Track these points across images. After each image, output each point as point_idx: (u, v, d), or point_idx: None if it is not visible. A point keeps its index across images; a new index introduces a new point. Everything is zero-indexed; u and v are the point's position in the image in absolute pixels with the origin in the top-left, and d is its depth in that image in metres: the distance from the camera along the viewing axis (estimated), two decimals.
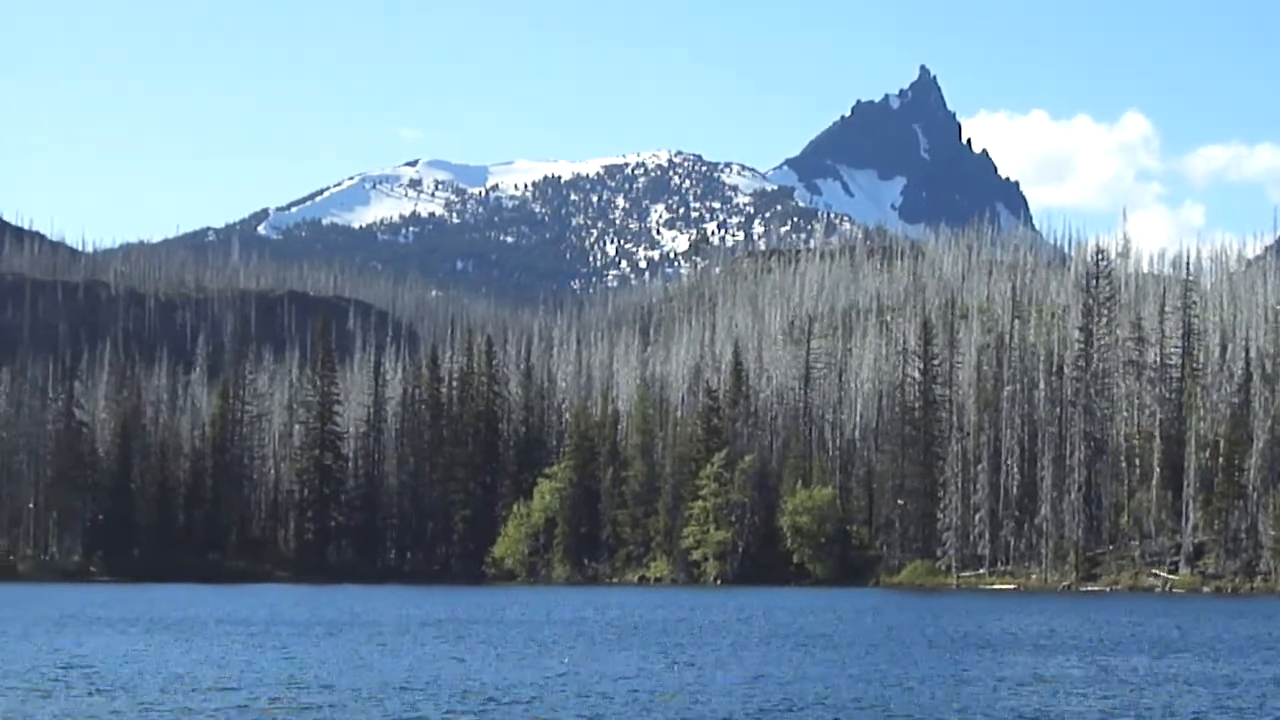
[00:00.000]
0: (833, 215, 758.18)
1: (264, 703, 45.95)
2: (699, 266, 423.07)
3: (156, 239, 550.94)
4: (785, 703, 46.33)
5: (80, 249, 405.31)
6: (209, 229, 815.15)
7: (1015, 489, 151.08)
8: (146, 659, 61.37)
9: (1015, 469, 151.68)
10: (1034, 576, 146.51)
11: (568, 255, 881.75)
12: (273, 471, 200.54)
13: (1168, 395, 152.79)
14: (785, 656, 63.17)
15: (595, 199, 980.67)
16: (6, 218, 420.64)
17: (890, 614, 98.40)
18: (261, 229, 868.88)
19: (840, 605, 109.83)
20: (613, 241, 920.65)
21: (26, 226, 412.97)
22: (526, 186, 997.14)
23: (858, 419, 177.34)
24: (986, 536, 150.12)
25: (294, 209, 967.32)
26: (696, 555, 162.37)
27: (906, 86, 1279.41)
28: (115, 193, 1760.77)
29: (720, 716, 43.44)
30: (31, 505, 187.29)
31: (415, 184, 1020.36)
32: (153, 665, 58.62)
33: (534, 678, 53.70)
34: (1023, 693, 50.12)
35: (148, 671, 55.86)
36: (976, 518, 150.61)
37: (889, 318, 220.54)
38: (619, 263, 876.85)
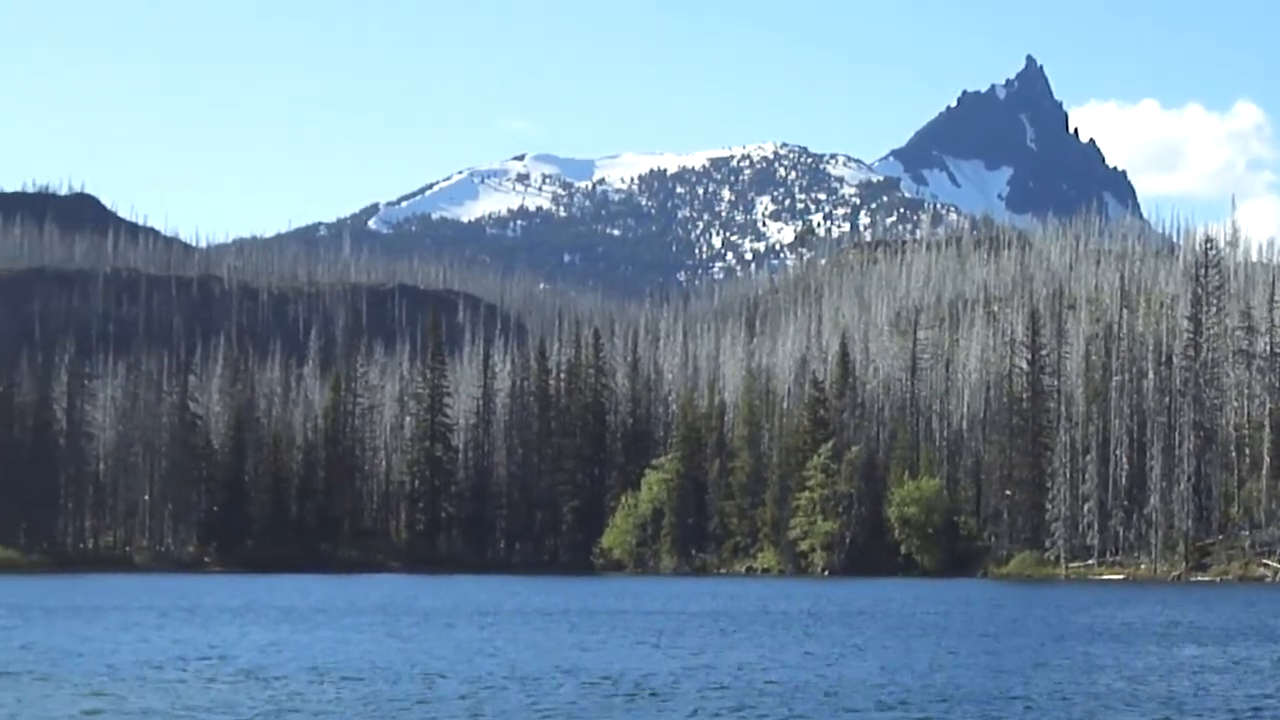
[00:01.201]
0: (939, 206, 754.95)
1: (490, 689, 46.76)
2: (805, 258, 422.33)
3: (269, 234, 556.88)
4: (940, 692, 46.75)
5: (194, 244, 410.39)
6: (320, 224, 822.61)
7: (1124, 479, 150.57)
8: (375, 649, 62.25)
9: (1124, 459, 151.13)
10: (1143, 567, 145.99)
11: (674, 248, 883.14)
12: (384, 463, 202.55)
13: (1277, 384, 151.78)
14: (927, 647, 63.60)
15: (701, 191, 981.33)
16: (122, 214, 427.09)
17: (1022, 606, 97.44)
18: (372, 223, 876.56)
19: (957, 596, 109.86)
20: (718, 233, 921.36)
21: (141, 223, 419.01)
22: (633, 180, 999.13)
23: (965, 409, 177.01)
24: (1095, 527, 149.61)
25: (403, 203, 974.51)
26: (804, 546, 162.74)
27: (1013, 76, 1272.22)
28: (228, 189, 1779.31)
29: (897, 701, 44.00)
30: (147, 497, 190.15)
31: (523, 178, 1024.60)
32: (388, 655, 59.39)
33: (688, 667, 54.00)
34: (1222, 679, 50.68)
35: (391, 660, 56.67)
36: (1085, 508, 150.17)
37: (996, 308, 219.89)
38: (725, 255, 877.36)
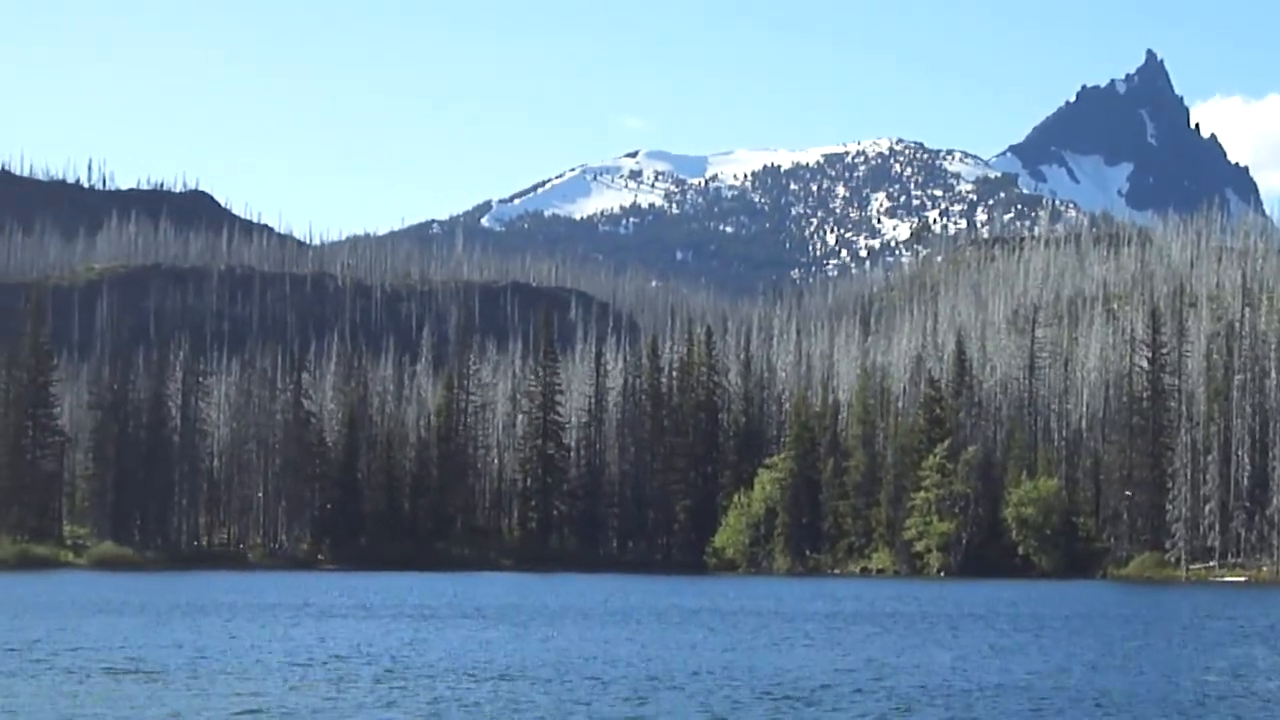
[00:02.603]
0: (1058, 202, 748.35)
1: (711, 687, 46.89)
2: (921, 255, 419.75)
3: (382, 231, 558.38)
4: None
5: (308, 242, 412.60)
6: (433, 221, 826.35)
7: (1246, 480, 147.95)
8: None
9: (1246, 459, 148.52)
10: (1264, 569, 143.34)
11: (787, 245, 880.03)
12: (496, 461, 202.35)
13: None
14: (1084, 647, 63.51)
15: (815, 188, 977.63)
16: (236, 212, 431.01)
17: (1181, 610, 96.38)
18: (485, 221, 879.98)
19: (1093, 598, 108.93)
20: (833, 230, 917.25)
21: (256, 220, 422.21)
22: (746, 176, 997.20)
23: (1084, 409, 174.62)
24: (1216, 528, 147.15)
25: (516, 201, 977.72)
26: (919, 547, 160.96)
27: (1133, 71, 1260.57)
28: (342, 187, 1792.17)
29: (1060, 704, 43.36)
30: (261, 494, 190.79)
31: (635, 175, 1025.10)
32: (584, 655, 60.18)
33: (830, 668, 54.12)
34: None
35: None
36: (1206, 509, 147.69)
37: (1116, 306, 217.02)
38: (839, 252, 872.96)
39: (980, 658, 59.31)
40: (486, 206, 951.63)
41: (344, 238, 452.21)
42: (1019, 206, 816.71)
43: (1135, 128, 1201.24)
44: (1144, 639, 69.31)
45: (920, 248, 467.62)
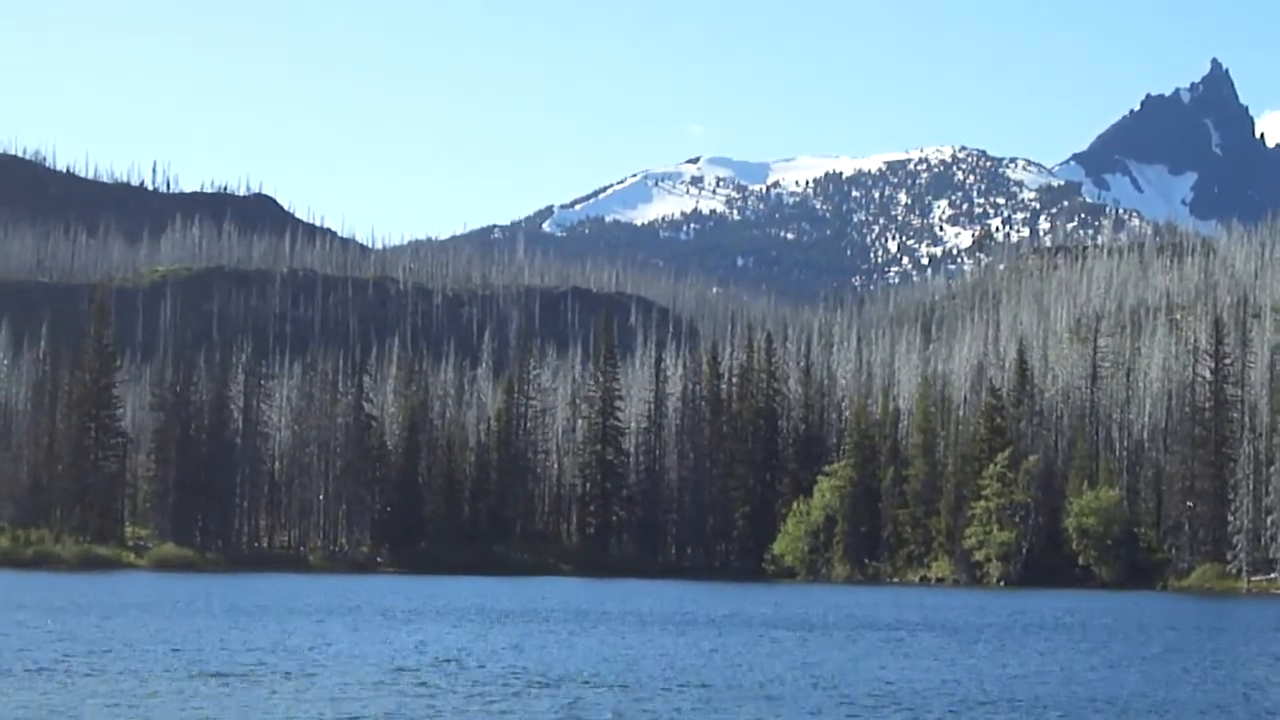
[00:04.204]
0: (1121, 211, 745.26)
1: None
2: (983, 263, 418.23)
3: (444, 236, 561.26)
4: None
5: (370, 246, 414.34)
6: (495, 226, 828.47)
7: None
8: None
9: None
10: None
11: (848, 252, 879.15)
12: (556, 466, 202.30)
13: None
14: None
15: (877, 195, 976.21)
16: (300, 216, 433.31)
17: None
18: (546, 226, 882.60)
19: (1154, 610, 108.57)
20: (894, 238, 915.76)
21: (318, 224, 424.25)
22: (808, 183, 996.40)
23: (1146, 419, 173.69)
24: (1279, 540, 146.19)
25: (578, 206, 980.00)
26: (979, 556, 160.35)
27: (1198, 80, 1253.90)
28: (404, 191, 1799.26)
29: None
30: (321, 497, 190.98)
31: (697, 181, 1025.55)
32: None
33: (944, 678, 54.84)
34: None
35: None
36: (1268, 521, 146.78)
37: (1179, 316, 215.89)
38: (900, 259, 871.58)
39: (1125, 669, 60.41)
40: (548, 212, 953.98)
41: (406, 242, 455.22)
42: (1082, 215, 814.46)
43: (1200, 137, 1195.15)
44: (1226, 651, 69.68)
45: (982, 256, 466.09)
